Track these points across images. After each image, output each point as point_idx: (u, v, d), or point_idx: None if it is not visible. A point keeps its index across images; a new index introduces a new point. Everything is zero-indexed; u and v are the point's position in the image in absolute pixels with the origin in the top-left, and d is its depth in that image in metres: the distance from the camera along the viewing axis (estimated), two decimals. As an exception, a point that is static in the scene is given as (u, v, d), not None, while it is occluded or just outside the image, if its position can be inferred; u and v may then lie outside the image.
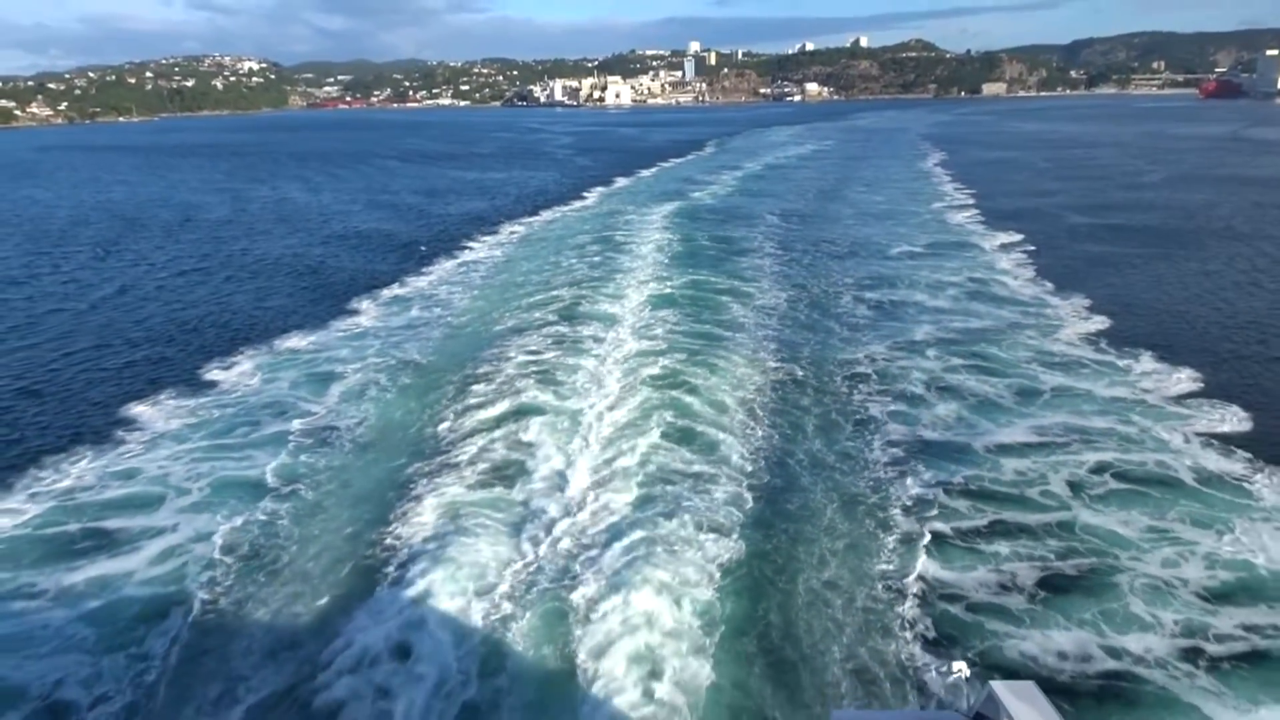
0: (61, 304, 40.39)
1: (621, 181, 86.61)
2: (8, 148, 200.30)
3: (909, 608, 14.67)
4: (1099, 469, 19.85)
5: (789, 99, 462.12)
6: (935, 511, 18.02)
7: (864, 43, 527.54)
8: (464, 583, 15.37)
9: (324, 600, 15.59)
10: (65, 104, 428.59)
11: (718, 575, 15.60)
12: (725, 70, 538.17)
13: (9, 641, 14.49)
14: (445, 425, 23.45)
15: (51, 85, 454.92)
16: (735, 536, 16.98)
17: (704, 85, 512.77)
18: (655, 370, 26.78)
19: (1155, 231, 50.86)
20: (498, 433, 22.46)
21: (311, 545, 17.58)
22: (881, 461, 20.65)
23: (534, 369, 27.26)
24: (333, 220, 66.18)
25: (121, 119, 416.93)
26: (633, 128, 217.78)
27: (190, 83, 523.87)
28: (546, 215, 64.39)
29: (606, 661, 13.12)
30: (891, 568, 15.96)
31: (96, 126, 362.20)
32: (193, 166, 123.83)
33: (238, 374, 28.61)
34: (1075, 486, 19.10)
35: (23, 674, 13.69)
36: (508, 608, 14.86)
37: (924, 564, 15.97)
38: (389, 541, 17.37)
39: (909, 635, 13.96)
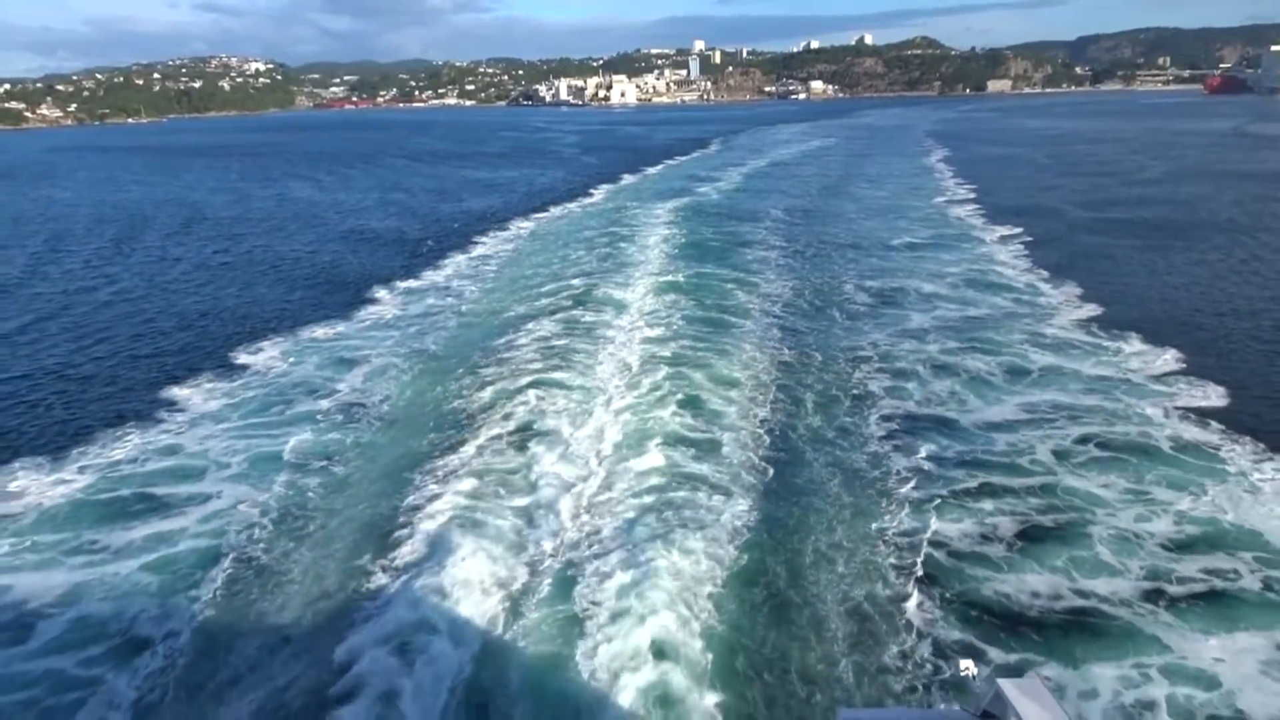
0: (95, 297, 42.18)
1: (628, 179, 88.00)
2: (23, 149, 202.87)
3: (913, 587, 15.20)
4: (1083, 440, 21.16)
5: (794, 97, 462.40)
6: (931, 479, 19.33)
7: (869, 40, 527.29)
8: (480, 560, 16.17)
9: (349, 560, 16.98)
10: (74, 105, 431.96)
11: (727, 568, 15.73)
12: (730, 69, 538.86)
13: (87, 587, 16.15)
14: (461, 408, 24.82)
15: (60, 87, 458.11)
16: (741, 532, 17.22)
17: (709, 84, 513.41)
18: (665, 354, 28.18)
19: (1152, 225, 51.96)
20: (512, 412, 23.77)
21: (336, 516, 18.99)
22: (878, 435, 22.01)
23: (547, 355, 28.63)
24: (347, 217, 67.81)
25: (130, 120, 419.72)
26: (638, 126, 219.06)
27: (197, 84, 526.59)
28: (555, 211, 65.87)
29: (616, 658, 13.19)
30: (893, 527, 17.25)
31: (106, 128, 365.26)
32: (206, 167, 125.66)
33: (265, 360, 30.16)
34: (1060, 455, 20.43)
35: (102, 612, 15.36)
36: (521, 584, 15.55)
37: (920, 522, 17.29)
38: (402, 519, 18.39)
39: (914, 611, 14.44)
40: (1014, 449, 20.88)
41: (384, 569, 16.52)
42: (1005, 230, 49.90)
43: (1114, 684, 12.50)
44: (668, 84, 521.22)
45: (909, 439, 21.64)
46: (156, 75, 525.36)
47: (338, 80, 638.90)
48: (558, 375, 26.41)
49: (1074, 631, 13.64)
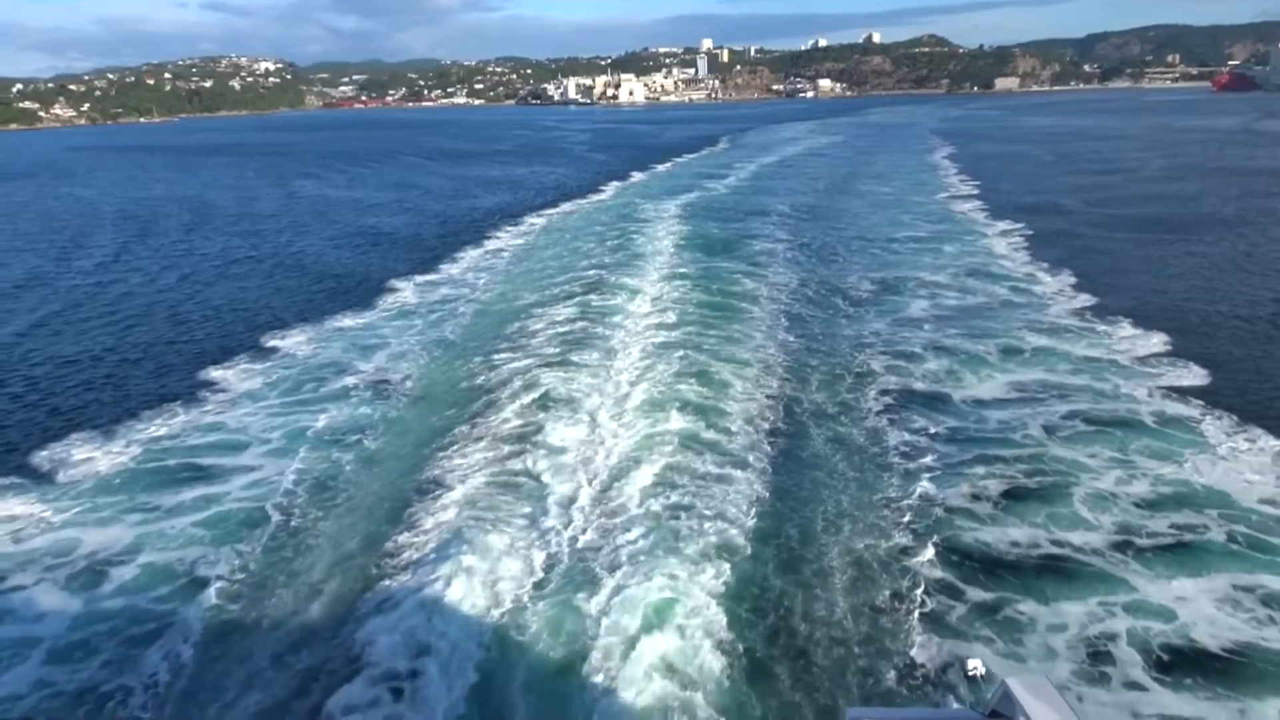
0: (127, 287, 44.08)
1: (637, 176, 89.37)
2: (40, 148, 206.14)
3: (922, 551, 16.09)
4: (1071, 415, 22.48)
5: (802, 95, 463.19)
6: (927, 453, 20.56)
7: (876, 39, 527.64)
8: (493, 536, 16.91)
9: (375, 526, 18.32)
10: (87, 105, 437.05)
11: (732, 565, 15.84)
12: (738, 67, 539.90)
13: (148, 538, 17.83)
14: (481, 386, 26.23)
15: (72, 87, 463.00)
16: (750, 518, 17.62)
17: (717, 82, 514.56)
18: (674, 341, 29.54)
19: (1151, 220, 53.05)
20: (528, 393, 25.00)
21: (364, 488, 20.34)
22: (875, 411, 23.37)
23: (561, 340, 30.04)
24: (365, 214, 69.53)
25: (143, 120, 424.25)
26: (647, 125, 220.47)
27: (208, 83, 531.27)
28: (566, 207, 67.38)
29: (622, 656, 13.34)
30: (894, 490, 18.68)
31: (119, 127, 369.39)
32: (222, 166, 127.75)
33: (294, 344, 31.79)
34: (1049, 429, 21.75)
35: (165, 559, 17.01)
36: (533, 567, 16.10)
37: (917, 488, 18.69)
38: (424, 490, 19.57)
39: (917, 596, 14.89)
40: (1005, 425, 22.22)
41: (406, 535, 17.67)
42: (1006, 225, 51.07)
43: (1080, 619, 13.84)
44: (676, 83, 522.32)
45: (906, 414, 22.95)
46: (167, 75, 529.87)
47: (347, 80, 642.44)
48: (573, 357, 27.86)
49: (1046, 574, 15.03)
